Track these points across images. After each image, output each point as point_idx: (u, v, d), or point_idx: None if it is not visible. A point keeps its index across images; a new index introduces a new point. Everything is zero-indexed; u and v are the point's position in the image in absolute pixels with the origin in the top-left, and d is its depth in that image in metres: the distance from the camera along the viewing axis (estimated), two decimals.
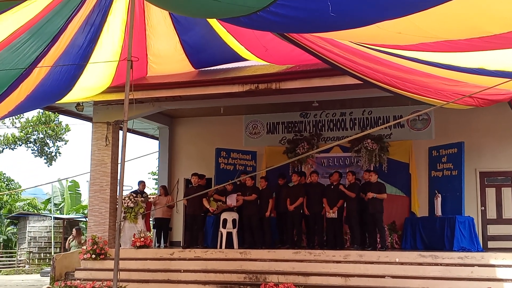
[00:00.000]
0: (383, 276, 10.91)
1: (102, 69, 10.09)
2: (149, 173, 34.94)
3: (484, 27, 5.13)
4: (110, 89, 11.49)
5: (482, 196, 14.16)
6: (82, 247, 13.57)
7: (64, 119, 32.90)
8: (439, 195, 13.27)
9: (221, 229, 13.14)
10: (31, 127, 31.92)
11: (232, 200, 13.40)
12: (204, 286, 11.58)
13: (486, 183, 14.22)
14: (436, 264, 11.05)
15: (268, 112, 15.79)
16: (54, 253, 20.38)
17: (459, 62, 6.69)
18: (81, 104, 13.43)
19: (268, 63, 11.64)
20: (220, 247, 12.98)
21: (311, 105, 13.99)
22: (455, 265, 10.95)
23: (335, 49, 7.42)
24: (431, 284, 10.52)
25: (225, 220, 13.18)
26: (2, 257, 27.58)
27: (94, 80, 10.49)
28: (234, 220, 13.18)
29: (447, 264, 10.98)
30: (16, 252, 26.42)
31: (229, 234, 13.06)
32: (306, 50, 8.01)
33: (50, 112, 29.28)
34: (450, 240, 12.17)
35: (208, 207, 13.61)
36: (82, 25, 8.30)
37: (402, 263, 11.24)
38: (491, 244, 13.73)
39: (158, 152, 17.51)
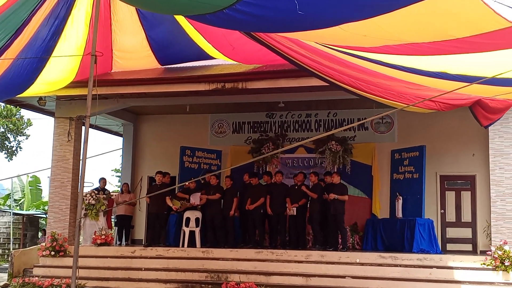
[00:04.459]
0: (343, 277, 11.01)
1: (66, 63, 9.93)
2: (112, 170, 34.45)
3: (447, 31, 5.22)
4: (74, 84, 11.31)
5: (442, 199, 14.37)
6: None
7: (26, 113, 32.16)
8: (400, 197, 13.45)
9: (184, 227, 13.07)
10: None
11: (195, 199, 13.35)
12: (165, 284, 11.50)
13: (446, 186, 14.42)
14: (396, 265, 11.19)
15: (234, 112, 15.75)
16: (13, 249, 19.94)
17: (422, 65, 6.80)
18: (44, 99, 13.17)
19: (235, 62, 11.61)
20: (183, 246, 12.90)
21: (277, 106, 14.00)
22: (414, 266, 11.11)
23: (301, 50, 7.46)
24: (391, 285, 10.66)
25: (188, 219, 13.12)
26: None
27: (57, 74, 10.32)
28: (197, 219, 13.12)
29: (406, 266, 11.13)
30: None
31: (192, 233, 13.00)
32: (272, 50, 8.02)
33: (11, 106, 28.64)
34: (409, 242, 12.32)
35: (171, 205, 13.50)
36: (46, 18, 8.16)
37: (362, 264, 11.37)
38: (449, 247, 13.94)
39: (122, 149, 17.31)
